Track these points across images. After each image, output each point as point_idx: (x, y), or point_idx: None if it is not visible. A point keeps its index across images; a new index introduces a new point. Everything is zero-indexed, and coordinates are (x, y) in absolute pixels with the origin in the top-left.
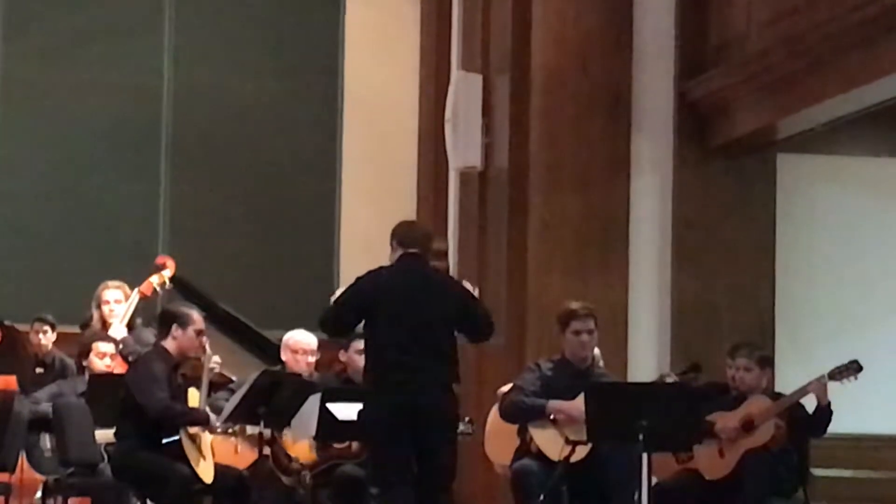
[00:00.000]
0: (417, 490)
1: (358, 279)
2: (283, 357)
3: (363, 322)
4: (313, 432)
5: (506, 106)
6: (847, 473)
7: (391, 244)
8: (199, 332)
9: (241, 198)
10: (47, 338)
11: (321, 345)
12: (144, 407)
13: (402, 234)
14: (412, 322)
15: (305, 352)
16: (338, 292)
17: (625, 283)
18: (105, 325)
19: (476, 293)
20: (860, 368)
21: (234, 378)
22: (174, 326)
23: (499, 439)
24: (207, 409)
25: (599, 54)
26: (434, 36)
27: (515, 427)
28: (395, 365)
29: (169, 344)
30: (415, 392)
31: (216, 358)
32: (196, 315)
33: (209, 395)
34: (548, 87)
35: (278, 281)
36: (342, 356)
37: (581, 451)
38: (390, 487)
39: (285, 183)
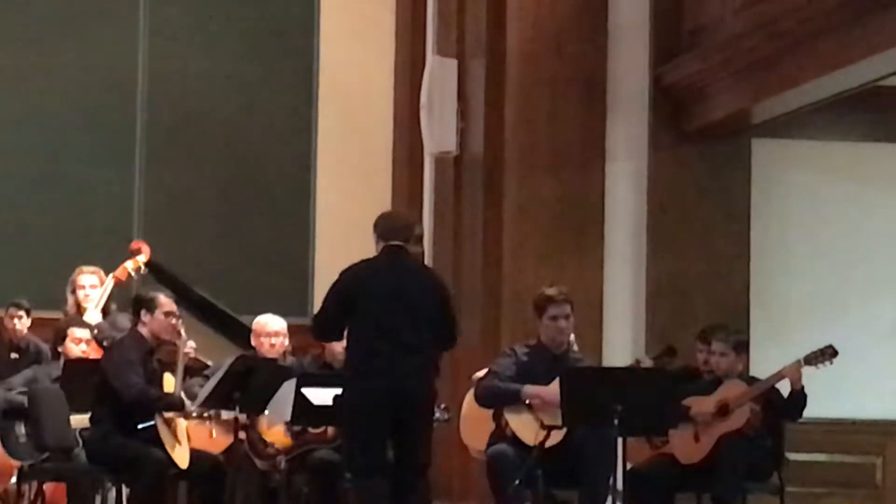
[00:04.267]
0: (394, 476)
1: (340, 274)
2: (252, 342)
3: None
4: (289, 417)
5: (481, 91)
6: (822, 457)
7: (374, 236)
8: (168, 314)
9: (216, 183)
10: (22, 323)
11: (298, 329)
12: (119, 392)
13: (382, 227)
14: (394, 311)
15: (269, 334)
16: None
17: (600, 267)
18: (80, 310)
19: None
20: (835, 353)
21: (209, 363)
22: (143, 311)
23: (474, 424)
24: (183, 394)
25: (574, 39)
26: (409, 21)
27: (490, 412)
28: (377, 352)
29: (142, 329)
30: (396, 378)
31: (191, 343)
32: (163, 298)
33: (184, 380)
34: (523, 72)
35: (254, 266)
36: None
37: (556, 436)
38: (366, 473)
39: (260, 168)
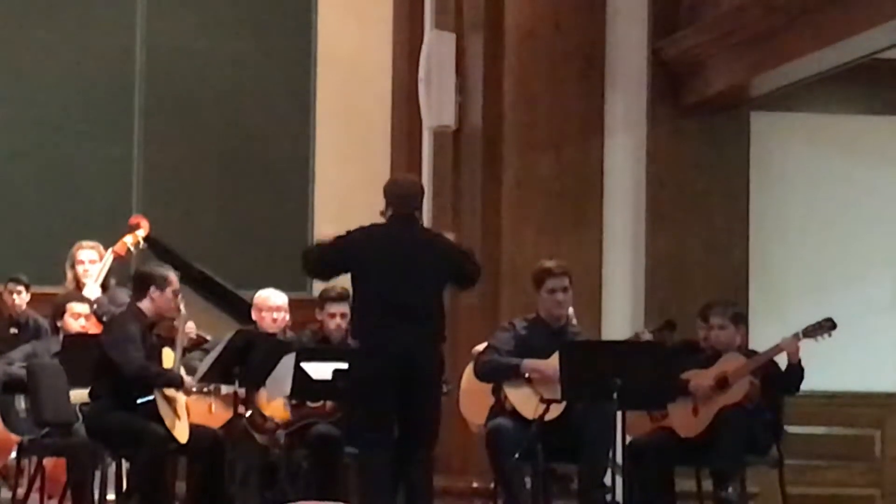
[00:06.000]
0: (400, 448)
1: (349, 231)
2: (253, 316)
3: (351, 279)
4: (288, 391)
5: (479, 65)
6: (821, 430)
7: (384, 200)
8: (177, 293)
9: (214, 157)
10: (21, 298)
11: (297, 304)
12: (119, 367)
13: (390, 194)
14: (401, 280)
15: (270, 309)
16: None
17: (599, 242)
18: (79, 285)
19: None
20: (834, 326)
21: (208, 338)
22: (152, 288)
23: (473, 398)
24: (182, 369)
25: (573, 13)
26: None
27: (490, 386)
28: (384, 322)
29: (145, 305)
30: (403, 349)
31: (191, 323)
32: (172, 276)
33: (183, 355)
34: (521, 46)
35: (252, 241)
36: (318, 315)
37: (555, 410)
38: (369, 447)
39: (259, 143)
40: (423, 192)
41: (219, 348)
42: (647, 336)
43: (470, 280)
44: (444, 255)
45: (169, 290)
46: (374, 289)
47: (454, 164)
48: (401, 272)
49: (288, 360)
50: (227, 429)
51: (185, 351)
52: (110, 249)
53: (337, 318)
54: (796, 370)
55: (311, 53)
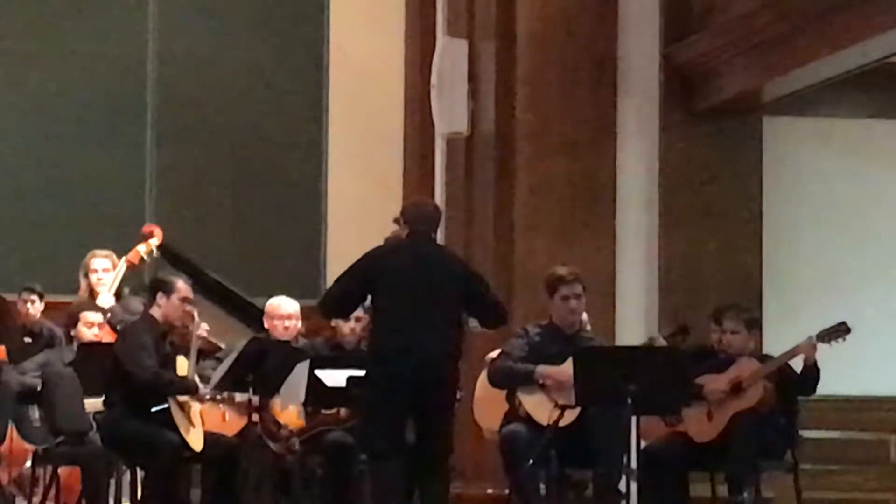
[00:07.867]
0: (414, 459)
1: (363, 256)
2: (265, 324)
3: (369, 296)
4: (302, 399)
5: (492, 71)
6: (835, 435)
7: (401, 221)
8: (184, 300)
9: (227, 166)
10: (35, 307)
11: (310, 311)
12: (133, 375)
13: (409, 213)
14: (417, 294)
15: (282, 317)
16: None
17: (612, 247)
18: (93, 294)
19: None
20: (848, 330)
21: (222, 346)
22: (159, 294)
23: (487, 405)
24: (196, 377)
25: (585, 19)
26: (419, 2)
27: (504, 392)
28: (402, 333)
29: (155, 312)
30: (420, 360)
31: (204, 325)
32: (181, 283)
33: (197, 363)
34: (533, 53)
35: (266, 248)
36: (332, 322)
37: (570, 416)
38: (383, 455)
39: (272, 151)
40: (440, 217)
41: (233, 356)
42: (661, 341)
43: (493, 316)
44: (458, 272)
45: (175, 297)
46: (390, 301)
47: (466, 171)
48: (418, 284)
49: (302, 368)
50: (242, 436)
51: (199, 355)
52: (123, 258)
53: (351, 322)
54: (812, 371)
55: (323, 61)
